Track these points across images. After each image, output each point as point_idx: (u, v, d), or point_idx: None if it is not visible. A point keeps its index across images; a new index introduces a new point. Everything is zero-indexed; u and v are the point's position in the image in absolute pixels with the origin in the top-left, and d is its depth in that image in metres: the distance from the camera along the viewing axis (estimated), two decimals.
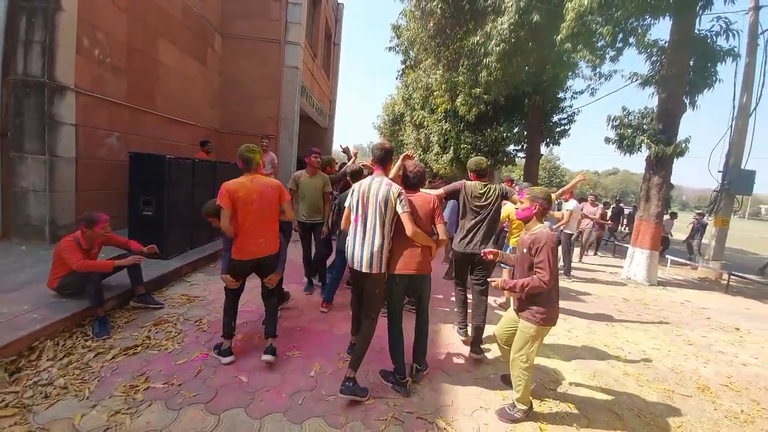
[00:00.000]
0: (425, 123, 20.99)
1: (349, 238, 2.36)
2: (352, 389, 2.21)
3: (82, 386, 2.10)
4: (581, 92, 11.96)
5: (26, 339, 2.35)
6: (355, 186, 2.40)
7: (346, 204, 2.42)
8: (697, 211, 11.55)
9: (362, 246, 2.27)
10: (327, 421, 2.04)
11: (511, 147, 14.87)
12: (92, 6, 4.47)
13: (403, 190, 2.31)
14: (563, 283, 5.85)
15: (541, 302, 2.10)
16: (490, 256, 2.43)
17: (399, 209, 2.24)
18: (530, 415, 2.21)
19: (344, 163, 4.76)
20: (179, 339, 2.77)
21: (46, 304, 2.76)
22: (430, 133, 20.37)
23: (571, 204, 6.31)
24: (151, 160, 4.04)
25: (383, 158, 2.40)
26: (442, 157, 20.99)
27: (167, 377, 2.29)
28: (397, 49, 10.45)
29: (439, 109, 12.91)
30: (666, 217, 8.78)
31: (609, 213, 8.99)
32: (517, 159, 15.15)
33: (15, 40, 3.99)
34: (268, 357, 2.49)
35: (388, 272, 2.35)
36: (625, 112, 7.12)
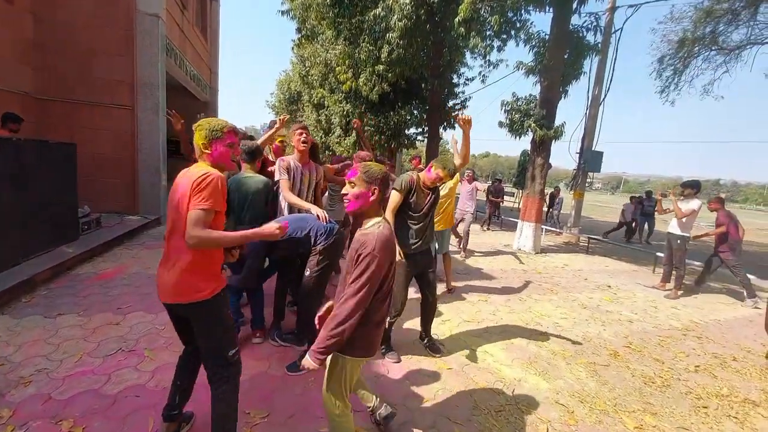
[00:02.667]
0: (326, 103, 19.93)
1: None
2: None
3: None
4: (473, 79, 12.76)
5: None
6: None
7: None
8: (555, 186, 13.96)
9: None
10: None
11: (412, 130, 15.24)
12: None
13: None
14: (470, 261, 6.10)
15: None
16: None
17: None
18: None
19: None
20: None
21: None
22: (331, 115, 19.49)
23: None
24: None
25: None
26: (344, 139, 20.37)
27: None
28: (290, 14, 9.16)
29: (343, 86, 12.14)
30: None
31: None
32: (417, 142, 15.63)
33: None
34: None
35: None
36: (515, 99, 7.71)
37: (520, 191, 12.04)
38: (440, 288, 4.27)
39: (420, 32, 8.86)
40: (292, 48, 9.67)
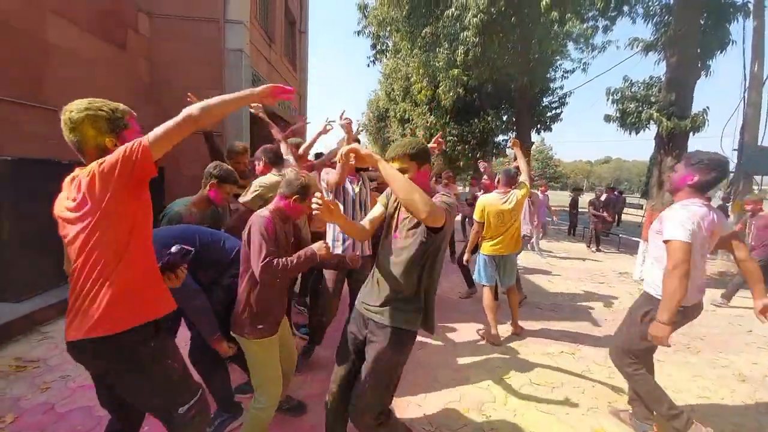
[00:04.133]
0: (410, 117, 19.98)
1: None
2: None
3: None
4: (572, 71, 10.89)
5: None
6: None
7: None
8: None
9: None
10: None
11: (501, 137, 13.85)
12: None
13: None
14: (562, 290, 4.78)
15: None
16: None
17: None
18: None
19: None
20: None
21: None
22: (416, 127, 19.39)
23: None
24: None
25: None
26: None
27: None
28: (366, 32, 9.31)
29: (418, 96, 11.81)
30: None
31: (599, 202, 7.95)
32: (507, 149, 14.10)
33: None
34: None
35: None
36: (627, 83, 6.04)
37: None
38: (505, 330, 3.35)
39: (501, 27, 7.89)
40: (368, 65, 9.76)
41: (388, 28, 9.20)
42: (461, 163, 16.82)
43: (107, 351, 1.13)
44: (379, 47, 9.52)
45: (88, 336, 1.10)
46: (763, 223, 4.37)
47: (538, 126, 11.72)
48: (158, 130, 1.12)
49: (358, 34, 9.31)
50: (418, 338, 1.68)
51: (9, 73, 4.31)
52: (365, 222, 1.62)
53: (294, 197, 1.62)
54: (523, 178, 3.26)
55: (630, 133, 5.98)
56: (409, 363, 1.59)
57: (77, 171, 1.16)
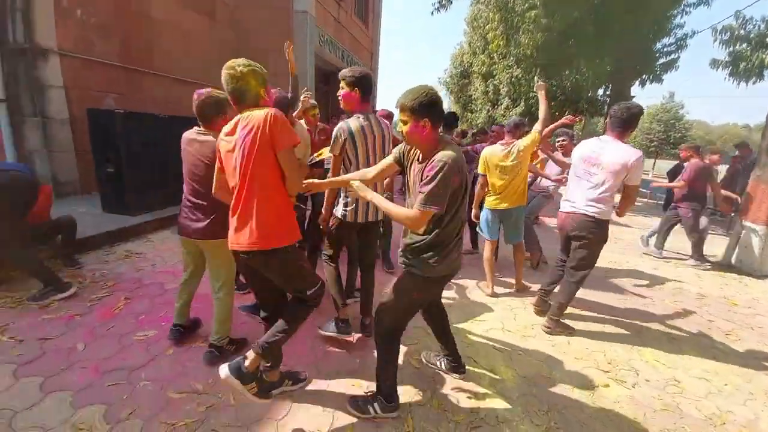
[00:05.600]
0: (493, 71, 18.30)
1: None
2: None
3: None
4: (698, 3, 8.48)
5: None
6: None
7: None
8: None
9: None
10: None
11: (600, 91, 11.80)
12: None
13: None
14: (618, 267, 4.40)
15: None
16: None
17: None
18: None
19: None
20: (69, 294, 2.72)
21: None
22: (499, 84, 17.75)
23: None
24: (102, 115, 4.04)
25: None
26: (512, 111, 18.40)
27: (17, 332, 2.22)
28: None
29: (491, 47, 10.78)
30: None
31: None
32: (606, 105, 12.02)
33: (3, 11, 4.24)
34: None
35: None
36: (740, 20, 4.64)
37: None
38: (503, 288, 3.39)
39: None
40: (431, 12, 9.22)
41: None
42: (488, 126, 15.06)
43: (270, 257, 1.56)
44: None
45: (258, 248, 1.51)
46: None
47: (644, 76, 9.72)
48: (300, 150, 1.62)
49: None
50: None
51: (131, 46, 5.60)
52: (371, 170, 1.78)
53: None
54: (536, 127, 3.08)
55: (739, 83, 4.69)
56: None
57: (238, 117, 1.58)
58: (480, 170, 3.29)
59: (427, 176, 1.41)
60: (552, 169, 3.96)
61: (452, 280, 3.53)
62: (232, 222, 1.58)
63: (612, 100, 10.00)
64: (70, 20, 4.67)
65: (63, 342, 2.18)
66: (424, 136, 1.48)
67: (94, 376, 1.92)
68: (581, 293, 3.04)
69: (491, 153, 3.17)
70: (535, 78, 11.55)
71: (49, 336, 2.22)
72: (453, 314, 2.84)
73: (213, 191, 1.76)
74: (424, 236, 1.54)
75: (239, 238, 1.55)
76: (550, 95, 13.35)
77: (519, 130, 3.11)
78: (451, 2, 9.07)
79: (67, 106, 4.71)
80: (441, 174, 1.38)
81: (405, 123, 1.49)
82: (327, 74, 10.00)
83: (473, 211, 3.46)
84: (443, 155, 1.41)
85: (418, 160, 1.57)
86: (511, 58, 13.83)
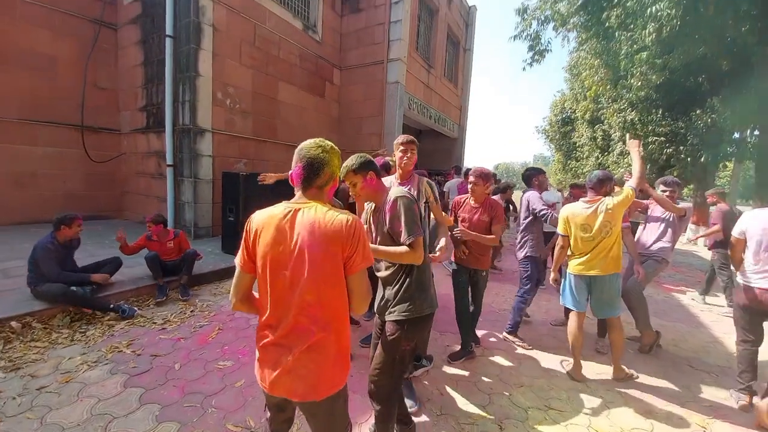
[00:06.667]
0: (602, 117, 16.87)
1: None
2: None
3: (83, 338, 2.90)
4: None
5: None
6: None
7: None
8: None
9: None
10: None
11: (736, 134, 9.67)
12: (223, 69, 6.18)
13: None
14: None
15: None
16: None
17: None
18: None
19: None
20: (181, 320, 3.34)
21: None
22: (610, 129, 16.19)
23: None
24: (231, 176, 5.12)
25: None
26: (627, 156, 16.46)
27: (139, 347, 2.82)
28: (523, 35, 8.95)
29: (588, 93, 10.01)
30: None
31: None
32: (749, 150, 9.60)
33: (177, 101, 6.00)
34: None
35: None
36: None
37: None
38: (596, 372, 2.84)
39: None
40: (523, 68, 9.26)
41: (552, 24, 8.44)
42: (675, 172, 12.70)
43: (320, 406, 1.19)
44: (537, 48, 8.87)
45: (311, 400, 1.14)
46: None
47: None
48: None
49: (514, 39, 9.03)
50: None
51: (261, 123, 7.10)
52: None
53: None
54: (630, 183, 2.71)
55: None
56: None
57: (290, 207, 1.22)
58: (560, 230, 2.97)
59: (391, 214, 1.63)
60: (648, 234, 3.44)
61: (529, 352, 3.11)
62: (270, 352, 1.19)
63: (762, 132, 7.96)
64: (222, 108, 6.28)
65: (167, 360, 2.65)
66: (373, 186, 1.67)
67: (179, 395, 2.26)
68: None
69: (573, 211, 2.86)
70: (627, 135, 10.14)
71: (159, 353, 2.74)
72: (524, 396, 2.47)
73: (232, 305, 1.30)
74: (408, 277, 1.70)
75: (287, 381, 1.15)
76: (678, 138, 11.46)
77: (604, 186, 2.76)
78: (544, 56, 9.00)
79: (212, 170, 6.15)
80: (403, 205, 1.60)
81: (355, 185, 1.64)
82: (416, 132, 10.93)
83: (552, 274, 3.08)
84: (393, 193, 1.65)
85: (373, 211, 1.77)
86: (624, 102, 12.58)
